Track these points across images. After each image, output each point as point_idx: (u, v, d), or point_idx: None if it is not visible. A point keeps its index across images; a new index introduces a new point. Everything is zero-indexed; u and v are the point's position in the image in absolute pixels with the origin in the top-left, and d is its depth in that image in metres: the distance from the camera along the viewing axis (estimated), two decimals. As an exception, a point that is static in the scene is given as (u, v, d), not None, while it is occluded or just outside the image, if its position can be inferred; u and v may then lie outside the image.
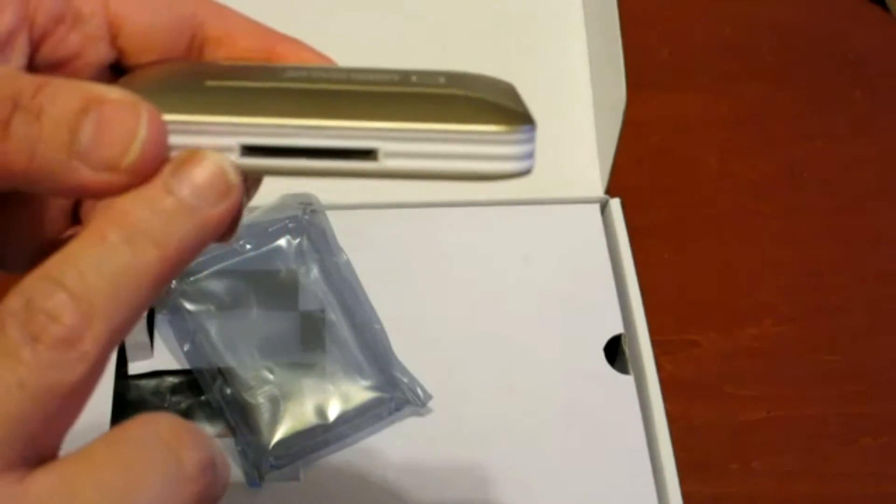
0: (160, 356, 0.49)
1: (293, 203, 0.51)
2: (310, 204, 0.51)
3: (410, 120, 0.22)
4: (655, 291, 0.52)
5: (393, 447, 0.47)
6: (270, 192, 0.53)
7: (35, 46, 0.24)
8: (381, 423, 0.47)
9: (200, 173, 0.21)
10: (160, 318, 0.49)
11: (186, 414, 0.47)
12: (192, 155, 0.22)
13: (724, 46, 0.71)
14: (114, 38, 0.25)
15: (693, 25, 0.72)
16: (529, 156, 0.22)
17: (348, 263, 0.50)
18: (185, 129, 0.22)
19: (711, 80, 0.69)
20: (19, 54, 0.24)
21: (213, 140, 0.22)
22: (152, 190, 0.21)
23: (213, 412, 0.47)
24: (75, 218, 0.28)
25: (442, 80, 0.26)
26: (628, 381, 0.49)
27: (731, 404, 0.54)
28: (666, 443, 0.47)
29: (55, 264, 0.20)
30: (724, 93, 0.68)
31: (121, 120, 0.21)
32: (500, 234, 0.54)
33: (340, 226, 0.51)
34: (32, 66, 0.25)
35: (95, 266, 0.20)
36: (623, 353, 0.50)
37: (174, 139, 0.22)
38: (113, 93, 0.21)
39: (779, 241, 0.61)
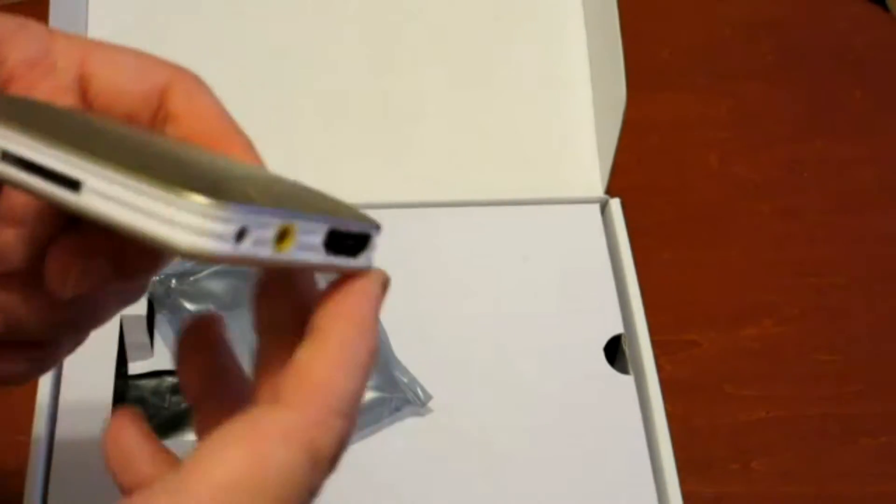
0: (160, 356, 0.49)
1: (293, 203, 0.51)
2: (310, 204, 0.51)
3: (127, 167, 0.20)
4: (655, 291, 0.52)
5: (393, 447, 0.47)
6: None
7: (3, 84, 0.25)
8: (381, 423, 0.47)
9: None
10: (160, 318, 0.49)
11: (186, 414, 0.47)
12: None
13: (724, 46, 0.71)
14: (83, 92, 0.26)
15: (693, 25, 0.72)
16: (231, 238, 0.20)
17: (348, 263, 0.50)
18: None
19: (711, 80, 0.69)
20: None
21: None
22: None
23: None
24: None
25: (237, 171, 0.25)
26: (628, 381, 0.49)
27: (731, 404, 0.54)
28: (666, 443, 0.47)
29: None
30: (724, 93, 0.68)
31: None
32: (499, 234, 0.54)
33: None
34: None
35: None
36: (623, 353, 0.50)
37: None
38: None
39: (779, 241, 0.61)
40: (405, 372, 0.48)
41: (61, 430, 0.46)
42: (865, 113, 0.68)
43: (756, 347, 0.56)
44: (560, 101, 0.58)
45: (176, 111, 0.26)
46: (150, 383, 0.48)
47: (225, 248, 0.20)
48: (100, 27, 0.56)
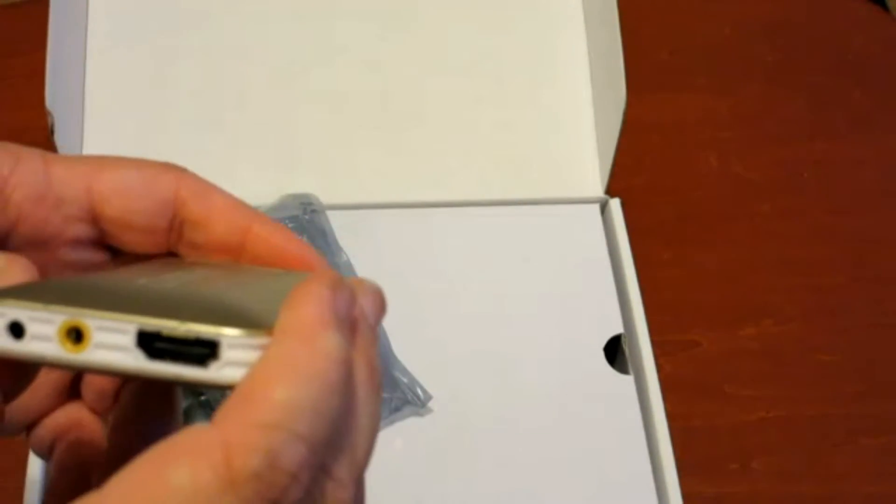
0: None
1: (293, 203, 0.51)
2: (310, 204, 0.51)
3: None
4: (655, 291, 0.52)
5: (393, 447, 0.47)
6: (270, 192, 0.53)
7: (11, 225, 0.25)
8: (381, 423, 0.47)
9: None
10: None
11: (186, 414, 0.47)
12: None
13: (724, 46, 0.71)
14: (95, 220, 0.26)
15: (693, 25, 0.72)
16: (4, 332, 0.21)
17: (348, 263, 0.50)
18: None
19: (711, 80, 0.69)
20: None
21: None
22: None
23: (214, 412, 0.47)
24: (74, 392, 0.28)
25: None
26: (628, 381, 0.49)
27: (731, 404, 0.54)
28: (666, 443, 0.47)
29: None
30: (723, 93, 0.68)
31: None
32: (500, 235, 0.54)
33: (340, 226, 0.51)
34: (8, 244, 0.25)
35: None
36: (623, 353, 0.50)
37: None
38: None
39: (779, 241, 0.61)
40: (405, 372, 0.48)
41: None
42: (865, 113, 0.68)
43: (756, 347, 0.56)
44: (560, 101, 0.58)
45: (194, 216, 0.26)
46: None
47: (5, 344, 0.21)
48: (100, 27, 0.56)
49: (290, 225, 0.50)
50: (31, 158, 0.26)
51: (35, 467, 0.44)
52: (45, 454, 0.29)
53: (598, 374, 0.49)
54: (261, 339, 0.20)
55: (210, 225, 0.26)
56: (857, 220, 0.62)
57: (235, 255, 0.27)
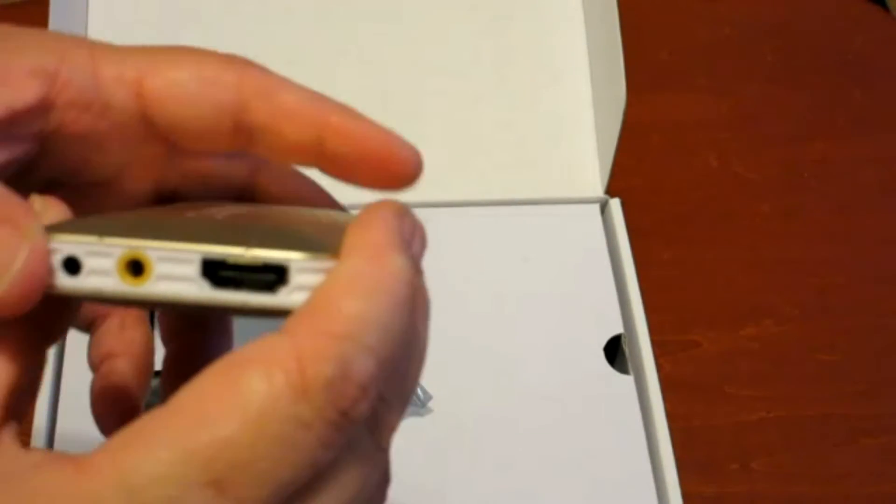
0: (160, 356, 0.49)
1: (293, 203, 0.51)
2: (310, 204, 0.51)
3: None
4: (655, 291, 0.52)
5: (393, 447, 0.47)
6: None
7: (53, 131, 0.23)
8: (381, 423, 0.47)
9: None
10: (160, 318, 0.49)
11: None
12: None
13: (723, 46, 0.71)
14: (148, 125, 0.24)
15: (693, 25, 0.72)
16: (60, 269, 0.20)
17: (348, 263, 0.50)
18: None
19: (711, 80, 0.69)
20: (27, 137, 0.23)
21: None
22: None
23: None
24: None
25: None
26: (628, 381, 0.49)
27: (731, 404, 0.54)
28: (666, 443, 0.47)
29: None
30: (723, 93, 0.68)
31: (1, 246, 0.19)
32: (499, 234, 0.54)
33: (340, 226, 0.51)
34: (49, 154, 0.24)
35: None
36: (623, 353, 0.50)
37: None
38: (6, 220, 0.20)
39: (779, 241, 0.61)
40: (405, 372, 0.48)
41: (61, 429, 0.46)
42: (865, 113, 0.68)
43: (756, 347, 0.56)
44: (560, 101, 0.58)
45: (261, 121, 0.23)
46: (152, 382, 0.48)
47: (61, 282, 0.20)
48: (100, 27, 0.56)
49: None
50: (77, 54, 0.23)
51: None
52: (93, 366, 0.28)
53: (598, 374, 0.49)
54: (329, 263, 0.20)
55: (278, 129, 0.23)
56: (857, 220, 0.62)
57: (315, 158, 0.24)
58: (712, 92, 0.68)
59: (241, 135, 0.24)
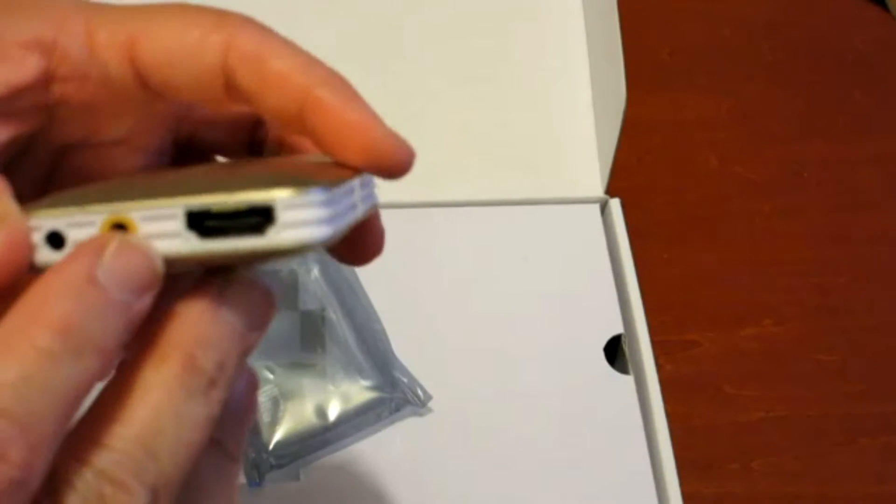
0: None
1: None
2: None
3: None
4: (655, 291, 0.52)
5: (393, 447, 0.47)
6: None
7: (57, 101, 0.23)
8: (381, 423, 0.47)
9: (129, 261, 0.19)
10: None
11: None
12: (120, 242, 0.20)
13: (723, 46, 0.71)
14: (145, 87, 0.24)
15: (693, 25, 0.72)
16: (43, 245, 0.20)
17: (348, 263, 0.50)
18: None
19: (711, 80, 0.69)
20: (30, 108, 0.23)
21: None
22: (75, 278, 0.19)
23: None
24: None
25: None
26: (628, 381, 0.49)
27: (731, 404, 0.54)
28: (666, 443, 0.47)
29: None
30: (723, 93, 0.68)
31: None
32: (499, 234, 0.54)
33: (340, 226, 0.51)
34: (53, 127, 0.24)
35: (39, 384, 0.17)
36: (623, 353, 0.50)
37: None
38: None
39: (779, 241, 0.61)
40: (405, 372, 0.48)
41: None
42: (865, 113, 0.68)
43: (756, 347, 0.56)
44: (560, 101, 0.58)
45: (243, 87, 0.23)
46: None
47: (45, 257, 0.20)
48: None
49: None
50: (74, 22, 0.23)
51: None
52: None
53: (598, 374, 0.49)
54: (315, 196, 0.20)
55: (263, 96, 0.23)
56: (857, 220, 0.62)
57: (299, 128, 0.23)
58: (712, 92, 0.68)
59: (234, 93, 0.23)
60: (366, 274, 0.51)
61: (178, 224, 0.20)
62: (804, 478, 0.52)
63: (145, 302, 0.19)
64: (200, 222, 0.20)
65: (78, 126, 0.24)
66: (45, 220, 0.20)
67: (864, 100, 0.68)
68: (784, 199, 0.63)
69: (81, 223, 0.20)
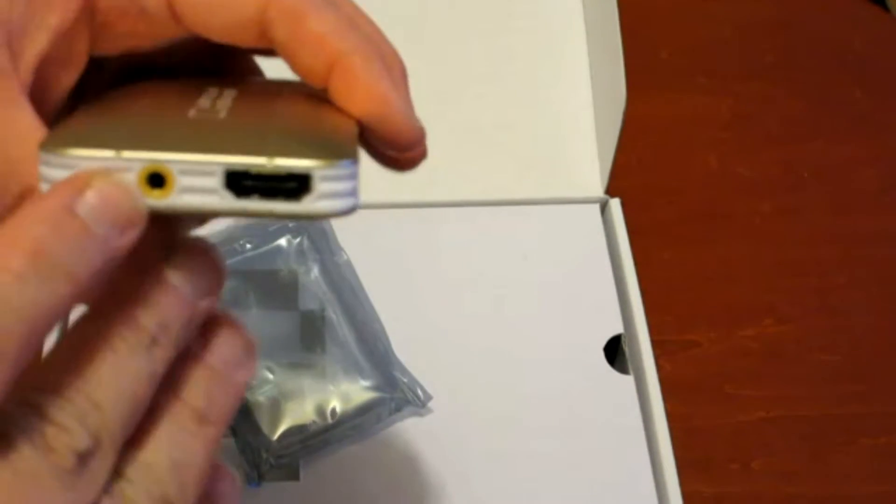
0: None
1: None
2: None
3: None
4: (655, 291, 0.52)
5: (393, 447, 0.47)
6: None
7: (97, 31, 0.24)
8: (381, 423, 0.47)
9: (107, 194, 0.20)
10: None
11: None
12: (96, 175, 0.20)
13: (723, 46, 0.71)
14: (179, 27, 0.24)
15: (693, 25, 0.72)
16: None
17: (348, 263, 0.50)
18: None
19: (711, 80, 0.69)
20: (76, 46, 0.24)
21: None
22: (53, 207, 0.19)
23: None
24: None
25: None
26: (628, 381, 0.49)
27: (731, 404, 0.54)
28: (666, 443, 0.47)
29: None
30: (723, 93, 0.68)
31: None
32: (499, 234, 0.54)
33: (340, 226, 0.51)
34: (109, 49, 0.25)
35: (3, 303, 0.18)
36: (623, 353, 0.50)
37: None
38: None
39: (779, 241, 0.61)
40: (405, 372, 0.48)
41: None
42: (865, 113, 0.68)
43: (756, 347, 0.56)
44: (560, 101, 0.58)
45: (279, 42, 0.24)
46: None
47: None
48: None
49: (290, 224, 0.50)
50: None
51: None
52: None
53: (598, 374, 0.49)
54: (349, 168, 0.20)
55: (295, 51, 0.24)
56: (857, 220, 0.62)
57: (324, 85, 0.24)
58: (712, 92, 0.68)
59: (265, 41, 0.24)
60: (366, 274, 0.50)
61: (216, 181, 0.20)
62: (804, 478, 0.52)
63: (127, 238, 0.20)
64: (238, 182, 0.20)
65: (121, 53, 0.25)
66: (80, 161, 0.20)
67: (864, 100, 0.68)
68: (784, 199, 0.63)
69: (118, 168, 0.20)
